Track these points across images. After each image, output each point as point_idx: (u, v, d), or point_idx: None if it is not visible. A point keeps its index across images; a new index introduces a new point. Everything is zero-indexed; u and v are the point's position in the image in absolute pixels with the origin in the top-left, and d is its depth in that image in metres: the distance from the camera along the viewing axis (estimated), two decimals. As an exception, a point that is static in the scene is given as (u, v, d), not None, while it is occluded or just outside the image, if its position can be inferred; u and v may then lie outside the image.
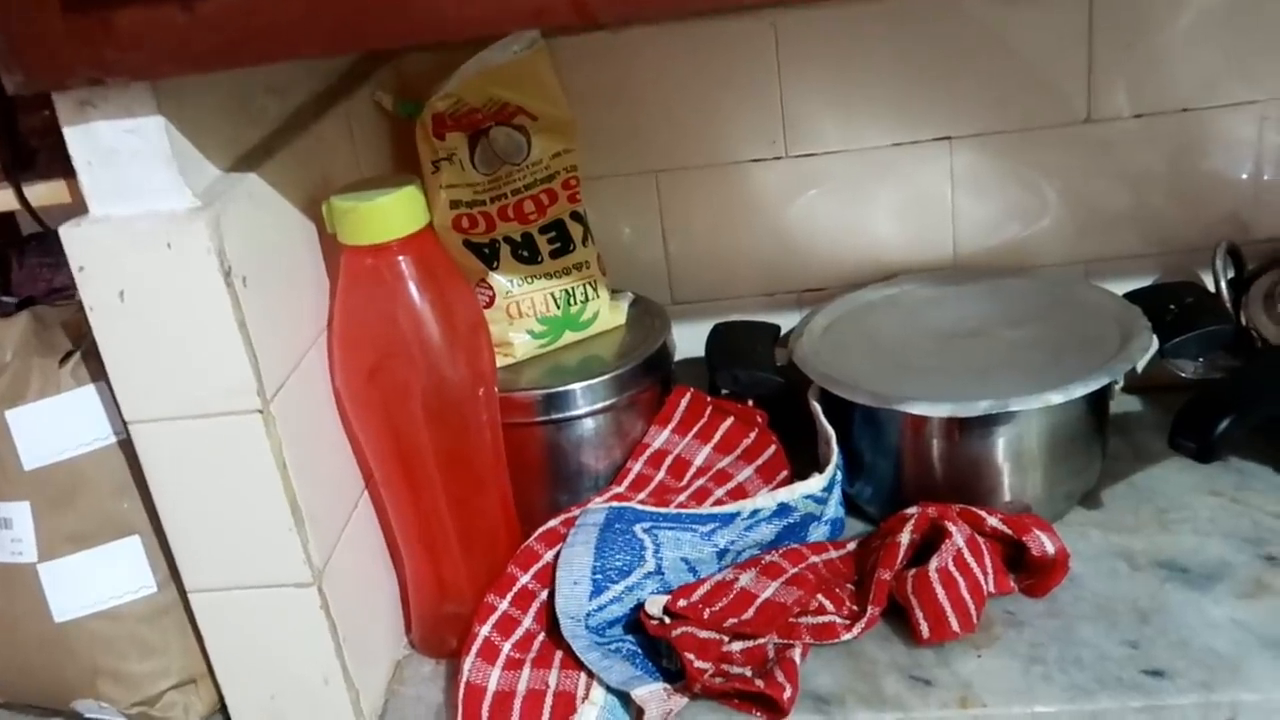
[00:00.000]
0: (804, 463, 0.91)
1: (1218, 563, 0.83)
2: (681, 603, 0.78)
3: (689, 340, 1.00)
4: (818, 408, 0.88)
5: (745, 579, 0.80)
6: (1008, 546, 0.82)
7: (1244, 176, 0.98)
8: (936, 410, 0.81)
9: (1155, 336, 0.87)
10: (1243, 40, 0.93)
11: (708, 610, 0.77)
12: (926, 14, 0.93)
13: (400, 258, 0.75)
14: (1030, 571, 0.82)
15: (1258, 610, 0.78)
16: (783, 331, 1.00)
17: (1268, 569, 0.82)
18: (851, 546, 0.86)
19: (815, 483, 0.83)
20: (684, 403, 0.92)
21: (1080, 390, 0.81)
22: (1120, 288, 0.97)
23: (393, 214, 0.74)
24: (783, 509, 0.82)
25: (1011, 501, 0.85)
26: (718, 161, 0.99)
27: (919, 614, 0.77)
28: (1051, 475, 0.86)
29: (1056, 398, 0.80)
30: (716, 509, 0.83)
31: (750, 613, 0.78)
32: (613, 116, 0.98)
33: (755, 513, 0.82)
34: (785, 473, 0.91)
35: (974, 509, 0.82)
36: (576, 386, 0.89)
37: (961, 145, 0.98)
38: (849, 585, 0.82)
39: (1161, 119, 0.96)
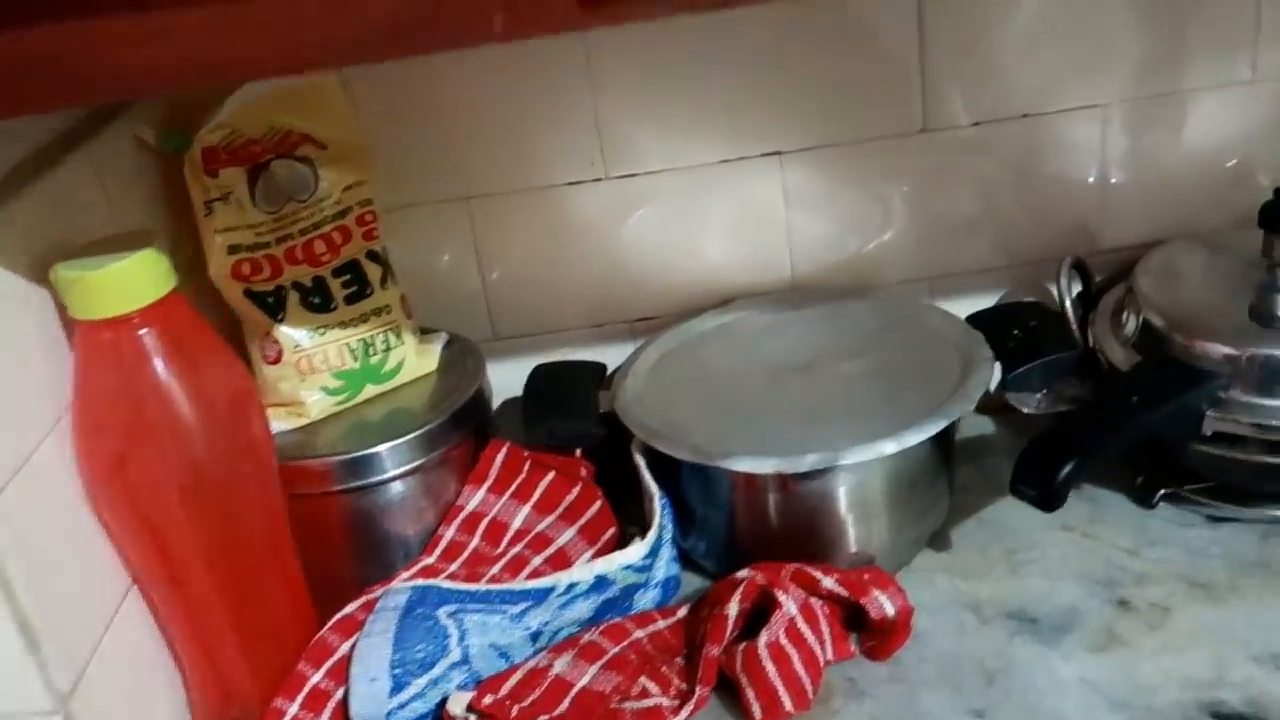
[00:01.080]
0: (633, 517, 0.84)
1: (1067, 610, 0.78)
2: (487, 699, 0.70)
3: (514, 378, 0.92)
4: (641, 462, 0.80)
5: (560, 665, 0.73)
6: (847, 606, 0.75)
7: (1090, 182, 0.92)
8: (762, 467, 0.75)
9: (998, 366, 0.81)
10: (1080, 41, 0.87)
11: (516, 707, 0.70)
12: (747, 26, 0.86)
13: (141, 331, 0.65)
14: (872, 631, 0.76)
15: (1107, 666, 0.73)
16: (611, 368, 0.92)
17: (1119, 616, 0.77)
18: (682, 614, 0.79)
19: (635, 551, 0.76)
20: (500, 458, 0.84)
21: (914, 438, 0.74)
22: (966, 305, 0.92)
23: (129, 281, 0.64)
24: (600, 582, 0.75)
25: (857, 553, 0.79)
26: (534, 185, 0.91)
27: (750, 694, 0.71)
28: (896, 522, 0.80)
29: (890, 447, 0.74)
30: (530, 584, 0.75)
31: (565, 705, 0.71)
32: (417, 140, 0.89)
33: (571, 587, 0.74)
34: (611, 531, 0.84)
35: (809, 569, 0.75)
36: (381, 448, 0.80)
37: (793, 160, 0.90)
38: (678, 660, 0.76)
39: (1001, 126, 0.90)
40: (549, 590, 0.74)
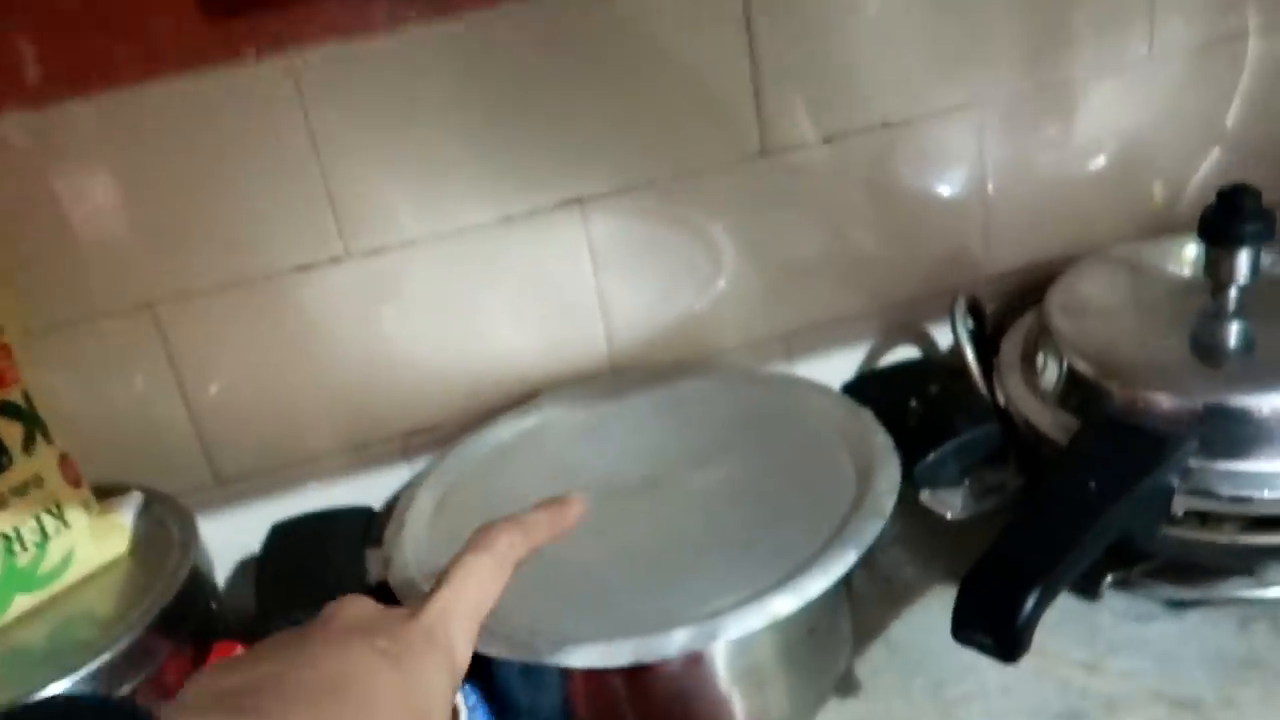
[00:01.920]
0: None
1: (1032, 767, 0.58)
2: None
3: (248, 537, 0.67)
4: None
5: None
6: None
7: (967, 198, 0.74)
8: (613, 658, 0.52)
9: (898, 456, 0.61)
10: (946, 31, 0.68)
11: None
12: (524, 39, 0.63)
13: None
14: None
15: None
16: (380, 508, 0.67)
17: (1098, 767, 0.58)
18: None
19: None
20: (233, 673, 0.57)
21: (817, 584, 0.53)
22: (831, 366, 0.72)
23: None
24: None
25: (748, 732, 0.57)
26: (246, 275, 0.66)
27: None
28: (795, 683, 0.59)
29: (786, 604, 0.52)
30: None
31: None
32: (60, 237, 0.62)
33: None
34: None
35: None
36: (50, 689, 0.54)
37: (598, 208, 0.69)
38: None
39: (857, 140, 0.70)
40: None
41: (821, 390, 0.68)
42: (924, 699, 0.64)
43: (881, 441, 0.61)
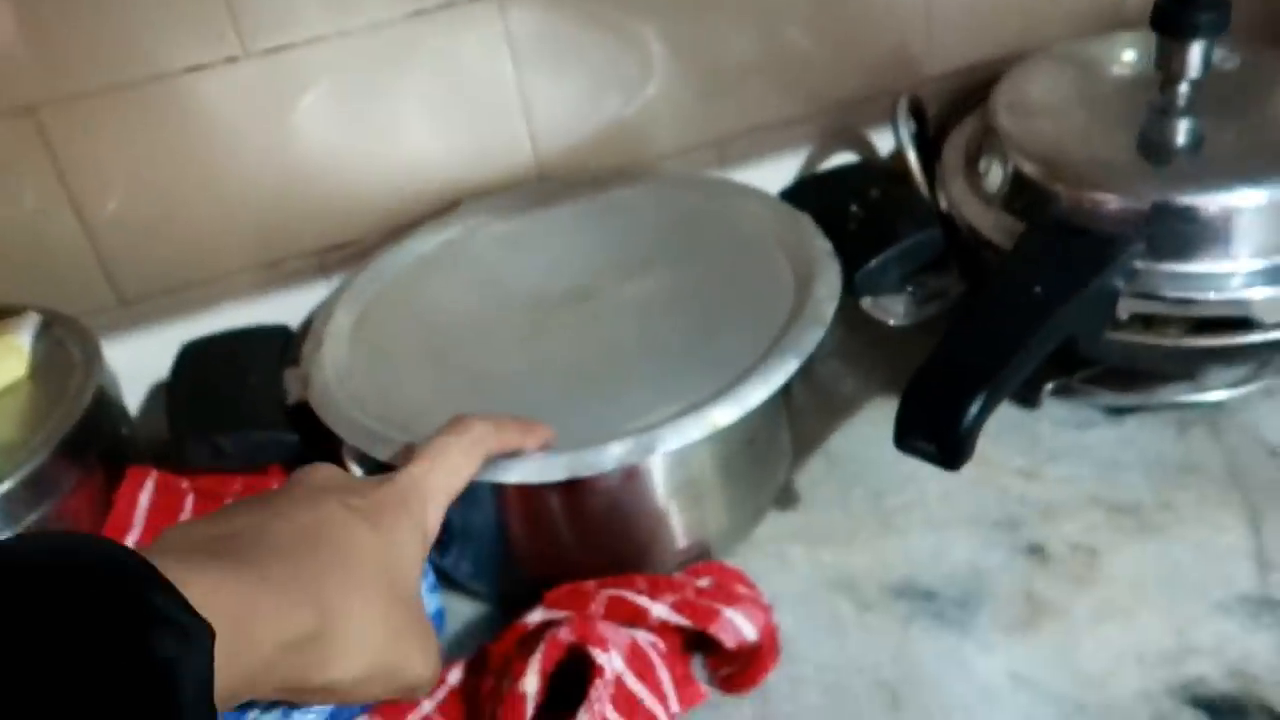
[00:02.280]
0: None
1: (969, 574, 0.58)
2: None
3: (157, 361, 0.63)
4: (358, 473, 0.54)
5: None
6: (689, 632, 0.53)
7: (907, -9, 0.69)
8: (546, 473, 0.50)
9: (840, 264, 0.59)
10: None
11: None
12: None
13: None
14: (726, 657, 0.53)
15: (1039, 651, 0.54)
16: (297, 328, 0.64)
17: (1035, 571, 0.58)
18: (455, 680, 0.54)
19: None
20: (145, 498, 0.55)
21: (756, 394, 0.51)
22: (768, 173, 0.69)
23: None
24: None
25: (687, 547, 0.56)
26: (132, 79, 0.60)
27: (573, 801, 0.47)
28: (734, 496, 0.58)
29: (725, 414, 0.50)
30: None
31: None
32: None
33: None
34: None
35: (629, 595, 0.52)
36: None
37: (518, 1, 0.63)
38: (459, 757, 0.51)
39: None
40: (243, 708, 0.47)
41: (758, 195, 0.64)
42: (863, 509, 0.63)
43: (821, 247, 0.59)
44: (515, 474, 0.50)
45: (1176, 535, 0.58)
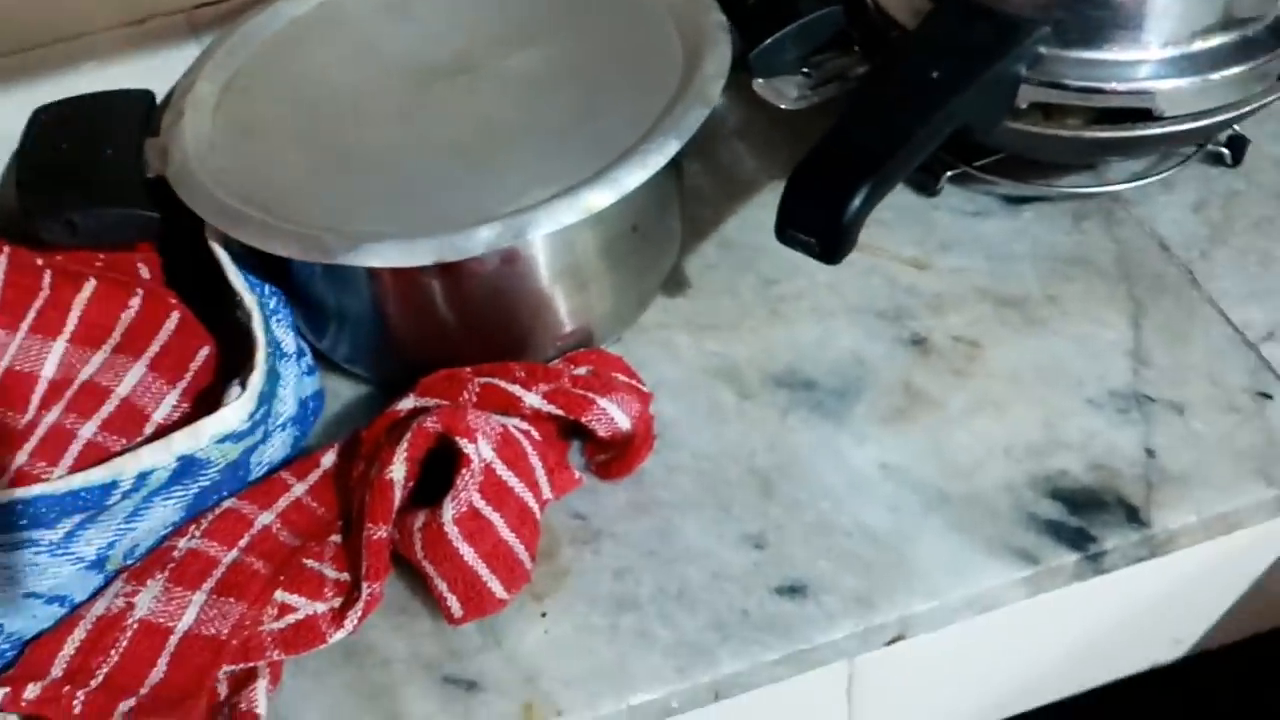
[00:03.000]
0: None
1: (850, 363, 0.58)
2: (32, 689, 0.44)
3: (10, 123, 0.60)
4: (224, 257, 0.52)
5: (145, 602, 0.47)
6: (564, 421, 0.53)
7: None
8: (414, 256, 0.48)
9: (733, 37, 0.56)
10: None
11: (80, 693, 0.44)
12: None
13: None
14: (602, 444, 0.53)
15: (912, 442, 0.55)
16: (162, 95, 0.60)
17: (916, 363, 0.58)
18: (328, 464, 0.54)
19: (234, 413, 0.49)
20: (-1, 274, 0.53)
21: (634, 176, 0.49)
22: None
23: None
24: (188, 466, 0.48)
25: (571, 332, 0.55)
26: None
27: (441, 585, 0.48)
28: (620, 280, 0.57)
29: (601, 198, 0.48)
30: (79, 482, 0.47)
31: (162, 668, 0.46)
32: None
33: (142, 480, 0.47)
34: (206, 351, 0.56)
35: (503, 383, 0.52)
36: None
37: None
38: (331, 541, 0.51)
39: None
40: (105, 489, 0.47)
41: (654, -38, 0.60)
42: (752, 296, 0.62)
43: (714, 20, 0.55)
44: (380, 257, 0.48)
45: (1058, 329, 0.58)
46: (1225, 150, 0.63)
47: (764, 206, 0.66)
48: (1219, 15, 0.54)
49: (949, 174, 0.64)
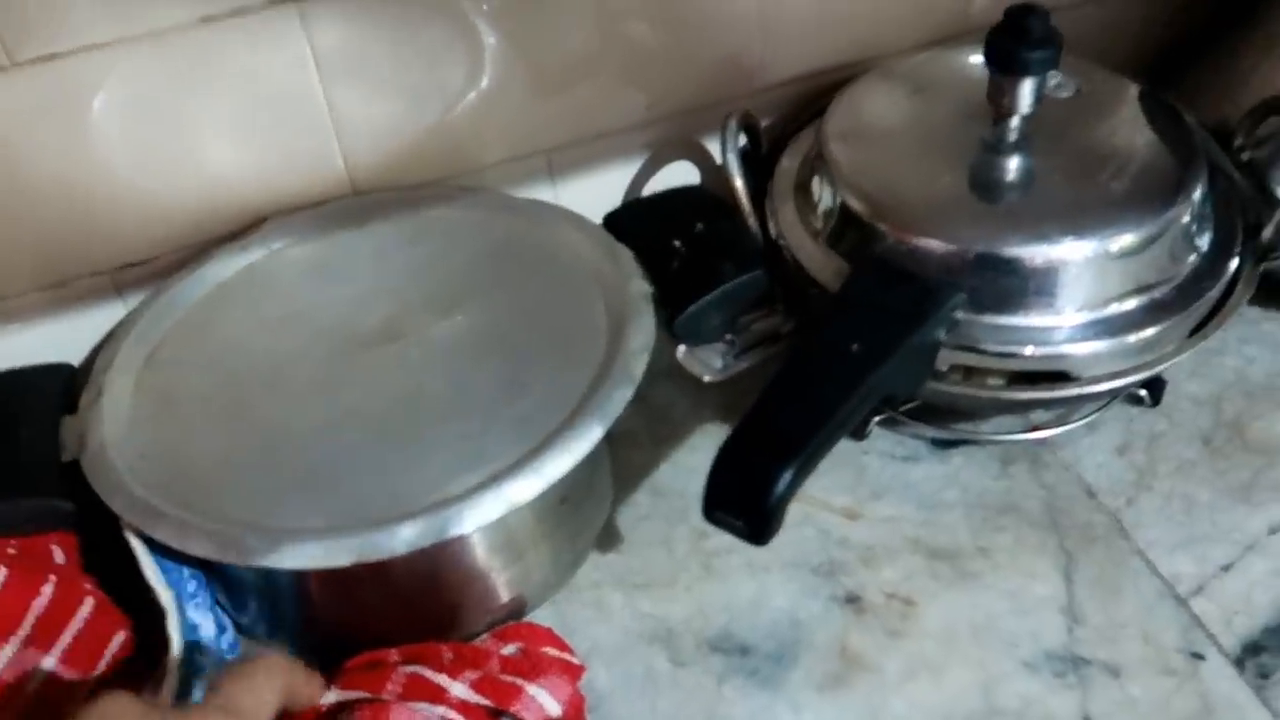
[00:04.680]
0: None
1: (786, 624, 0.58)
2: None
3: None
4: (139, 549, 0.50)
5: None
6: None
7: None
8: (331, 558, 0.47)
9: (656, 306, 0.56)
10: None
11: None
12: None
13: None
14: None
15: (849, 711, 0.54)
16: (85, 358, 0.59)
17: (852, 623, 0.57)
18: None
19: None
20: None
21: (559, 467, 0.48)
22: (601, 182, 0.67)
23: None
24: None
25: (507, 602, 0.54)
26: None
27: None
28: (554, 546, 0.56)
29: (526, 489, 0.48)
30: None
31: None
32: None
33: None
34: (121, 637, 0.54)
35: (427, 674, 0.50)
36: None
37: (319, 5, 0.58)
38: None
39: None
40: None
41: (580, 223, 0.61)
42: (685, 549, 0.62)
43: (638, 290, 0.56)
44: (298, 559, 0.47)
45: (991, 583, 0.58)
46: (1144, 392, 0.64)
47: (696, 450, 0.66)
48: (1130, 282, 0.56)
49: (877, 419, 0.65)
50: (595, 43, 0.65)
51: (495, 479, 0.48)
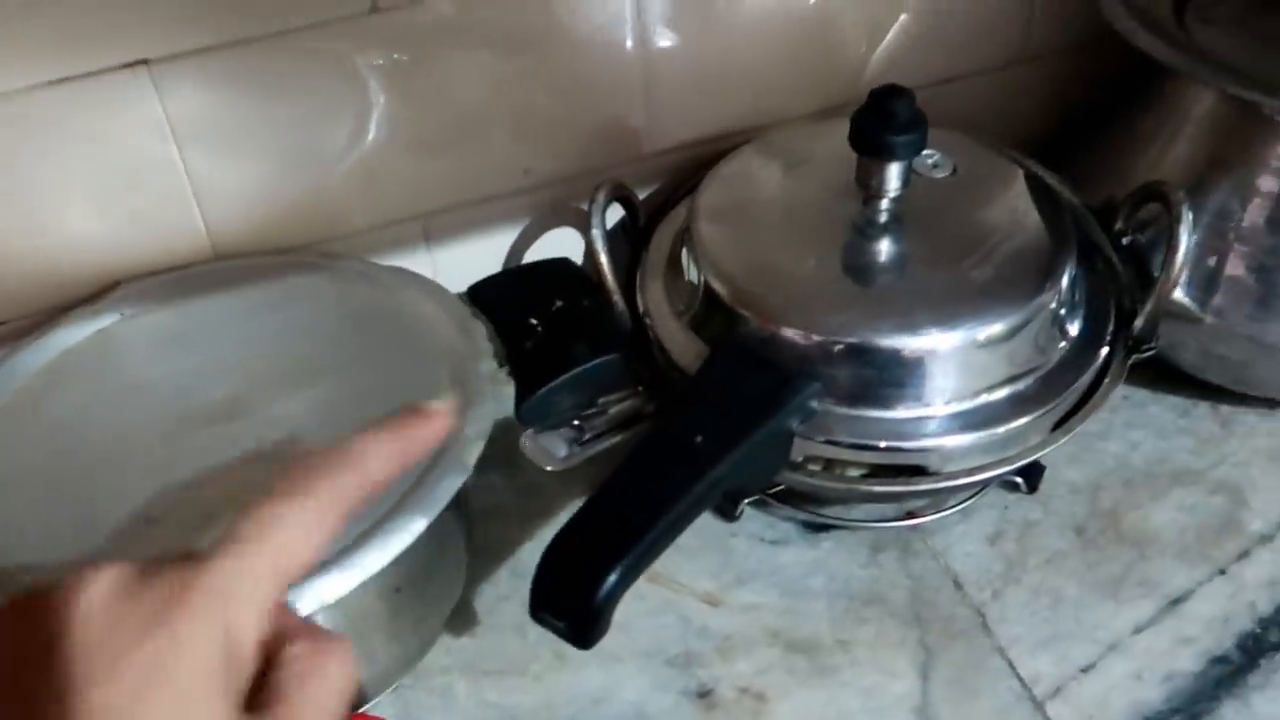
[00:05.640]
0: None
1: (634, 718, 0.55)
2: None
3: None
4: None
5: None
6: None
7: (625, 57, 0.64)
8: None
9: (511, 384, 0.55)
10: None
11: None
12: None
13: None
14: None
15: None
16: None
17: (701, 718, 0.55)
18: None
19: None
20: None
21: (375, 560, 0.47)
22: (479, 249, 0.66)
23: None
24: None
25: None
26: None
27: None
28: (387, 637, 0.54)
29: (335, 588, 0.46)
30: None
31: None
32: None
33: None
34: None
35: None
36: None
37: (171, 71, 0.57)
38: None
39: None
40: None
41: (439, 296, 0.59)
42: (539, 635, 0.57)
43: (486, 370, 0.54)
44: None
45: (847, 680, 0.57)
46: (1019, 480, 0.63)
47: (557, 527, 0.64)
48: (992, 373, 0.54)
49: (747, 500, 0.63)
50: (477, 105, 0.64)
51: (308, 575, 0.46)
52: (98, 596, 0.31)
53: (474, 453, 0.51)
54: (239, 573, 0.32)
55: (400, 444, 0.37)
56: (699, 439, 0.51)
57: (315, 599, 0.46)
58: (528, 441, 0.53)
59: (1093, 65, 0.71)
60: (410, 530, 0.48)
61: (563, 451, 0.53)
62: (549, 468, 0.53)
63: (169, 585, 0.31)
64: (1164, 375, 0.68)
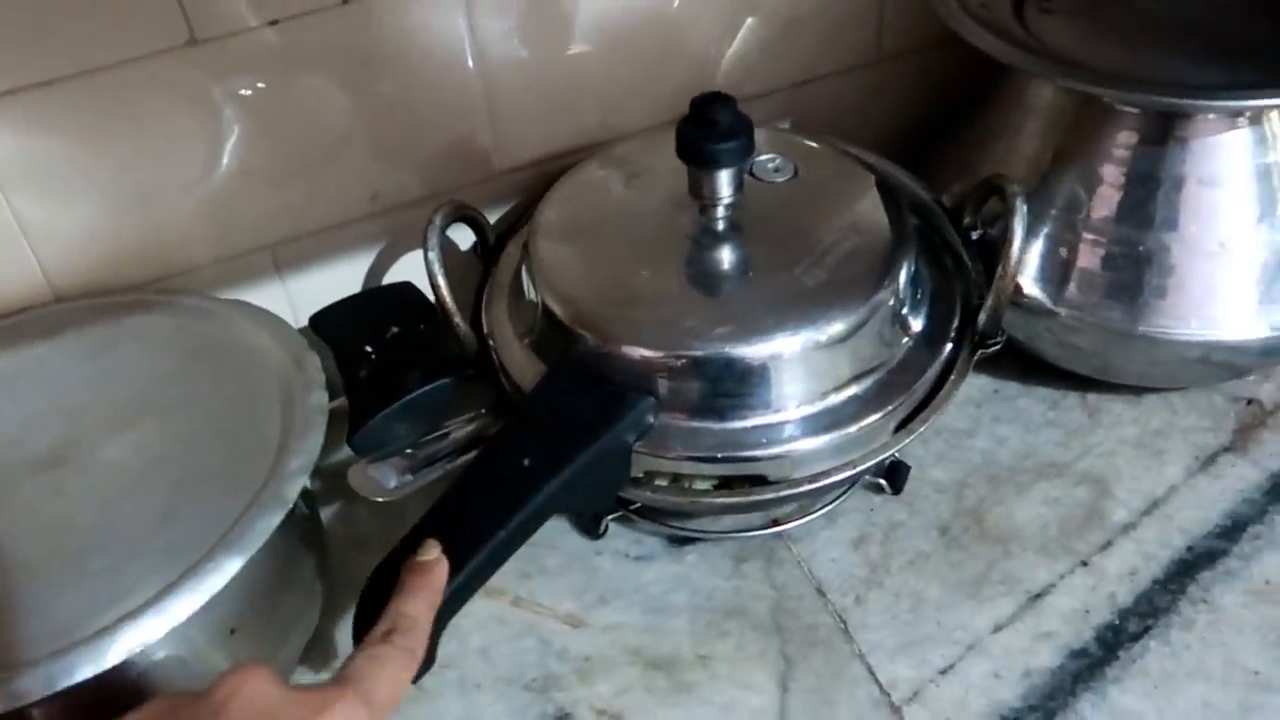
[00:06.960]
0: None
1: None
2: None
3: None
4: None
5: None
6: None
7: (468, 75, 0.63)
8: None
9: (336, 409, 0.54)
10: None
11: None
12: None
13: None
14: None
15: None
16: None
17: (558, 745, 0.54)
18: None
19: None
20: None
21: (185, 605, 0.46)
22: (330, 277, 0.64)
23: None
24: None
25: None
26: None
27: None
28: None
29: (139, 636, 0.45)
30: None
31: None
32: None
33: None
34: None
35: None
36: None
37: (-12, 114, 0.55)
38: None
39: (313, 20, 0.58)
40: None
41: (275, 328, 0.58)
42: (399, 666, 0.58)
43: (313, 403, 0.53)
44: None
45: (705, 696, 0.56)
46: (883, 481, 0.62)
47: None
48: (830, 378, 0.54)
49: (611, 517, 0.62)
50: (318, 132, 0.63)
51: (120, 622, 0.45)
52: (249, 705, 0.37)
53: (294, 488, 0.50)
54: (356, 707, 0.39)
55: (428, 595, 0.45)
56: (527, 461, 0.50)
57: (123, 650, 0.45)
58: (356, 473, 0.52)
59: (946, 64, 0.71)
60: (225, 571, 0.47)
61: (393, 481, 0.52)
62: (378, 498, 0.52)
63: (309, 705, 0.38)
64: (1035, 367, 0.67)
